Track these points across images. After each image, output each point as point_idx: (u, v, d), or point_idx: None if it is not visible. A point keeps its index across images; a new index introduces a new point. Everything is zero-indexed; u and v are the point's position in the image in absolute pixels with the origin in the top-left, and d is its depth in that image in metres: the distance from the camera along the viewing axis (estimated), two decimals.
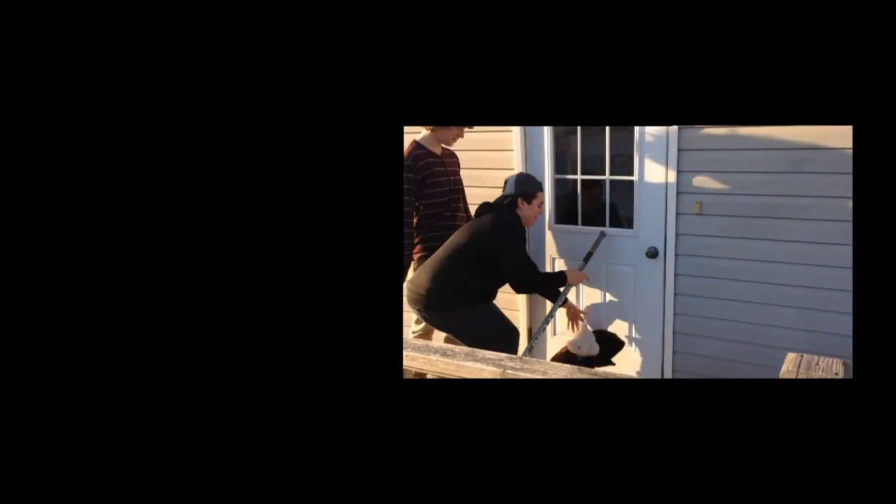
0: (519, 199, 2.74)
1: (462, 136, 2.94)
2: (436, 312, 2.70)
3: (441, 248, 2.74)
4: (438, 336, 2.94)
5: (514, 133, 3.06)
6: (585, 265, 2.90)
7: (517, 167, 3.07)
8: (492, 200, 2.81)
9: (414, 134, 2.95)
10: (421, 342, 1.85)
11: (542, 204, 2.81)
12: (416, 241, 2.90)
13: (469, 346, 2.75)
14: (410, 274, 2.87)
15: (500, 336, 2.73)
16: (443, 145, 2.96)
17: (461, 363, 1.63)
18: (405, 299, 2.77)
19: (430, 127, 2.88)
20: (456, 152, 3.06)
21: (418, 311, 2.75)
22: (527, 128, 3.05)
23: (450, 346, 1.77)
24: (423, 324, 2.97)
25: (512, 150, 3.07)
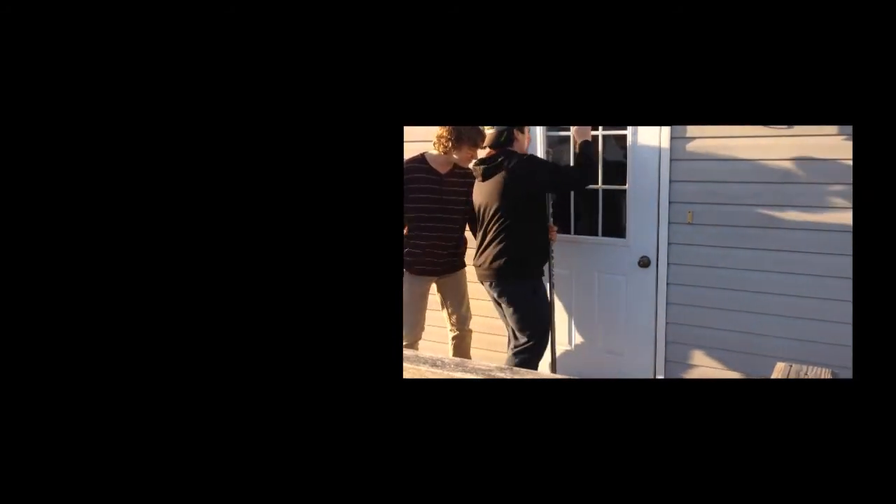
0: (515, 131, 2.80)
1: (476, 157, 2.91)
2: (498, 287, 2.82)
3: (480, 228, 2.85)
4: None
5: None
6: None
7: None
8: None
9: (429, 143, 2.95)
10: (411, 352, 1.83)
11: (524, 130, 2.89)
12: None
13: (513, 323, 2.85)
14: None
15: (538, 323, 2.83)
16: (456, 166, 2.95)
17: (451, 374, 1.62)
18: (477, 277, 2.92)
19: (446, 149, 2.86)
20: None
21: (489, 285, 2.87)
22: None
23: (440, 356, 1.75)
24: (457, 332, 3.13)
25: None
